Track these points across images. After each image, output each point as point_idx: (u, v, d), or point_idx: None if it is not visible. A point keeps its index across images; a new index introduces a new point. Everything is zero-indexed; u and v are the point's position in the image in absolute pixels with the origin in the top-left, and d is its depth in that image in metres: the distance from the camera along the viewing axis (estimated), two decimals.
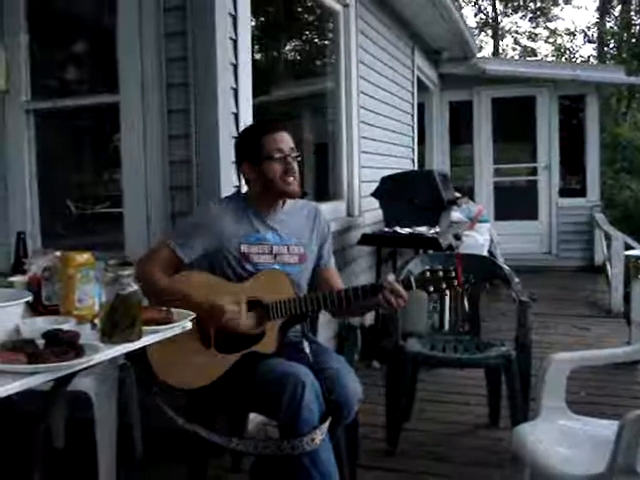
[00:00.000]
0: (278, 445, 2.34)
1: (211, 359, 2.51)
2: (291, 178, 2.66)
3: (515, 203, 10.15)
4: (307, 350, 2.63)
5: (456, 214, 6.84)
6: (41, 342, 1.74)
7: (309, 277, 2.81)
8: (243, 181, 2.86)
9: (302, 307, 2.57)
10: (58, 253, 2.17)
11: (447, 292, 2.62)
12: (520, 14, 27.50)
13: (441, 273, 2.56)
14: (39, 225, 3.88)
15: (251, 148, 2.70)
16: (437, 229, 5.34)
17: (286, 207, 2.77)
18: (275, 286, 2.60)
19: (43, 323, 1.89)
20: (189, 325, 2.12)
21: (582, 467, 2.15)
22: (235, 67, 3.50)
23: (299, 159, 2.72)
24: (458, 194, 6.68)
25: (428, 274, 2.57)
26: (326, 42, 6.56)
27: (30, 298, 2.03)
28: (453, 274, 2.55)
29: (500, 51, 27.21)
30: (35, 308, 2.13)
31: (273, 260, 2.68)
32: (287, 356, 2.56)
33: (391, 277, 2.59)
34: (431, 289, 2.57)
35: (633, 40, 23.14)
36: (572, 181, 11.21)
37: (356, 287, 2.59)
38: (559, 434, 2.45)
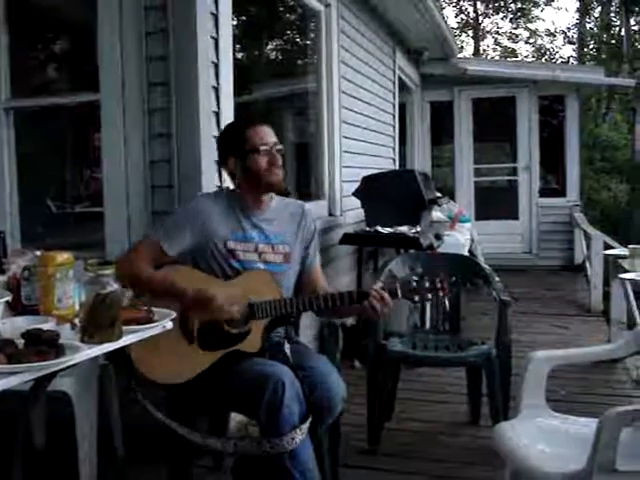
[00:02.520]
0: (258, 443, 2.34)
1: (193, 355, 2.50)
2: (276, 170, 2.66)
3: (495, 203, 10.21)
4: (288, 352, 2.62)
5: (437, 214, 6.86)
6: (21, 342, 1.73)
7: (295, 277, 2.80)
8: (227, 178, 2.85)
9: (288, 308, 2.57)
10: (38, 253, 2.16)
11: (431, 301, 2.65)
12: (501, 15, 27.67)
13: (427, 283, 2.58)
14: (19, 225, 3.85)
15: (235, 142, 2.70)
16: (418, 229, 5.36)
17: (272, 205, 2.76)
18: (262, 286, 2.59)
19: (23, 323, 1.88)
20: (169, 325, 2.11)
21: (562, 464, 2.16)
22: (216, 66, 3.50)
23: (282, 153, 2.72)
24: (439, 194, 6.70)
25: (414, 284, 2.59)
26: (307, 42, 6.57)
27: (9, 298, 2.01)
28: (439, 285, 2.57)
29: (481, 51, 27.36)
30: (14, 308, 2.12)
31: (258, 258, 2.67)
32: (270, 356, 2.56)
33: (378, 284, 2.60)
34: (416, 298, 2.59)
35: (612, 41, 23.33)
36: (552, 181, 11.29)
37: (342, 292, 2.61)
38: (539, 432, 2.46)
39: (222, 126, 3.47)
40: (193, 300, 2.46)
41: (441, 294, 2.58)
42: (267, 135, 2.68)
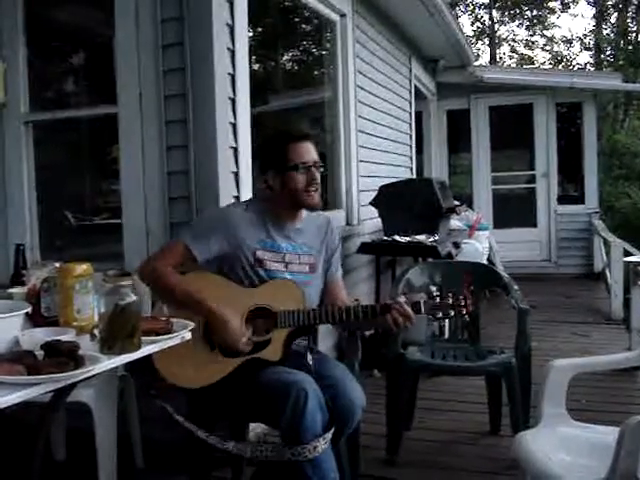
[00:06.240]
0: (278, 450, 2.34)
1: (215, 361, 2.51)
2: (313, 190, 2.66)
3: (514, 211, 10.18)
4: (310, 362, 2.63)
5: (455, 222, 6.84)
6: (40, 353, 1.74)
7: (320, 288, 2.80)
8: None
9: (310, 318, 2.57)
10: (57, 264, 2.18)
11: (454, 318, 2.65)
12: (517, 22, 27.57)
13: (450, 300, 2.57)
14: (38, 237, 3.88)
15: (276, 156, 2.68)
16: (436, 237, 5.34)
17: (302, 217, 2.78)
18: (286, 296, 2.59)
19: (42, 334, 1.89)
20: (188, 336, 2.12)
21: (583, 474, 2.15)
22: (233, 77, 3.51)
23: (322, 169, 2.72)
24: (457, 202, 6.68)
25: (438, 300, 2.58)
26: (323, 52, 6.59)
27: (29, 309, 2.03)
28: (462, 302, 2.56)
29: (497, 59, 27.28)
30: (34, 319, 2.13)
31: (284, 268, 2.67)
32: (290, 365, 2.56)
33: (402, 298, 2.59)
34: (439, 315, 2.59)
35: (629, 47, 23.21)
36: (570, 188, 11.22)
37: (365, 305, 2.60)
38: (560, 441, 2.44)
39: (239, 137, 3.50)
40: (209, 320, 2.47)
41: (464, 311, 2.58)
42: (308, 152, 2.67)
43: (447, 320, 4.20)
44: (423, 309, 2.56)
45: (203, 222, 2.79)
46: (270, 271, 2.65)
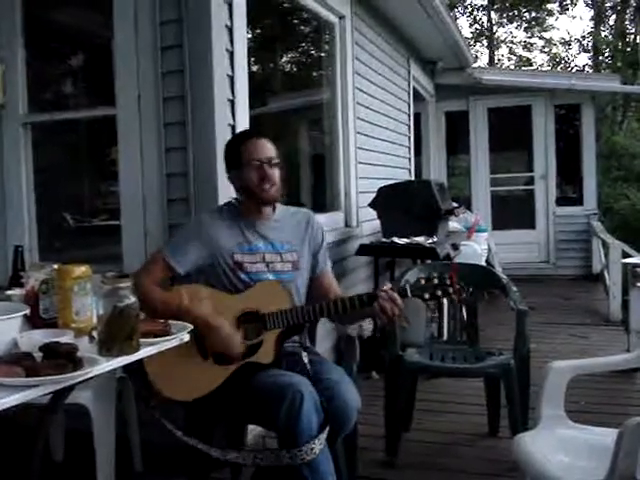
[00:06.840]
0: (277, 455, 2.34)
1: (208, 370, 2.51)
2: (267, 185, 2.67)
3: (512, 212, 10.19)
4: (305, 360, 2.63)
5: (453, 224, 6.84)
6: (39, 355, 1.74)
7: (306, 284, 2.81)
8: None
9: (299, 317, 2.57)
10: (55, 266, 2.17)
11: (443, 300, 2.63)
12: (515, 24, 27.59)
13: (436, 280, 2.56)
14: (36, 238, 3.88)
15: (233, 155, 2.76)
16: (435, 239, 5.34)
17: (276, 214, 2.78)
18: (272, 297, 2.60)
19: (41, 336, 1.89)
20: (187, 337, 2.12)
21: (582, 475, 2.15)
22: (231, 79, 3.51)
23: (278, 165, 2.72)
24: (455, 204, 6.68)
25: (423, 282, 2.57)
26: (322, 54, 6.59)
27: (27, 311, 2.02)
28: (448, 281, 2.56)
29: (495, 61, 27.29)
30: (32, 321, 2.13)
31: (266, 269, 2.68)
32: (285, 367, 2.56)
33: (387, 285, 2.59)
34: (427, 297, 2.57)
35: (628, 49, 23.24)
36: (569, 190, 11.23)
37: (352, 296, 2.60)
38: (559, 443, 2.44)
39: None
40: (199, 328, 2.45)
41: (451, 290, 2.56)
42: (261, 149, 2.69)
43: (445, 319, 4.20)
44: (409, 292, 2.55)
45: (179, 234, 2.79)
46: (252, 273, 2.65)
